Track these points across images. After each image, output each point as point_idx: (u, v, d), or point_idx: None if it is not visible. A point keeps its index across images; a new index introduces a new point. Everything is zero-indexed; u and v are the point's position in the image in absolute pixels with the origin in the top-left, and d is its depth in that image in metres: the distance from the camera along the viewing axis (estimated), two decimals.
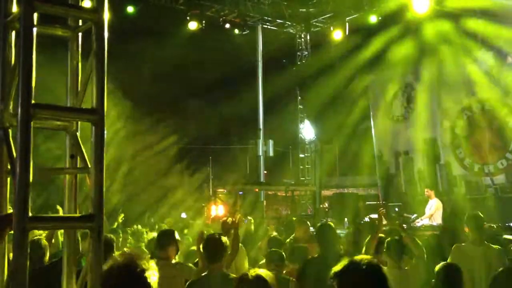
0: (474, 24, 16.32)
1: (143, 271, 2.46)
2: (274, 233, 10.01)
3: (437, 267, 5.49)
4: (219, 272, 5.21)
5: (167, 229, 7.08)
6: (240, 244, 8.06)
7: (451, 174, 17.41)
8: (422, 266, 6.24)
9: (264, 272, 3.76)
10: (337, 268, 2.87)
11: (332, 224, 6.42)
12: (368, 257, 2.97)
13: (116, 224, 12.21)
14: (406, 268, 6.29)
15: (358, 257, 2.94)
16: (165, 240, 6.17)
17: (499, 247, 6.90)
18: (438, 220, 14.01)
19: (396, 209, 15.55)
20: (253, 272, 3.73)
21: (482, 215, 7.07)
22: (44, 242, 6.42)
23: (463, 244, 6.93)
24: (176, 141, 23.52)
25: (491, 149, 16.56)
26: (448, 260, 6.73)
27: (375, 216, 14.76)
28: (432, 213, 14.25)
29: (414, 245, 6.44)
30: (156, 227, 14.21)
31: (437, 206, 14.35)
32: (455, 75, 17.21)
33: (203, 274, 5.29)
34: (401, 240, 6.46)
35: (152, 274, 2.53)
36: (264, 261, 7.65)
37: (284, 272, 6.37)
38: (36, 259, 5.22)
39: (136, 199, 19.53)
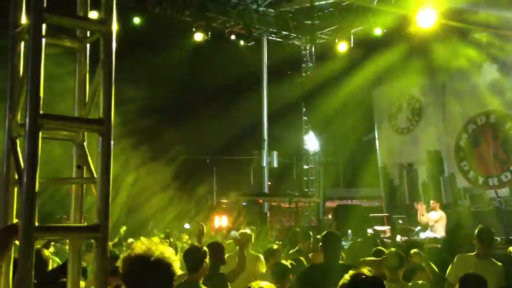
0: (479, 38, 16.36)
1: (160, 258, 2.53)
2: (269, 245, 9.89)
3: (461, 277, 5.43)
4: (196, 284, 5.20)
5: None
6: (259, 256, 8.10)
7: (455, 186, 17.37)
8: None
9: (267, 285, 3.75)
10: (344, 281, 2.88)
11: (338, 233, 6.31)
12: (366, 271, 2.98)
13: (117, 237, 12.16)
14: (408, 284, 6.14)
15: (361, 271, 2.95)
16: None
17: (501, 264, 6.82)
18: (441, 231, 14.00)
19: (400, 221, 15.51)
20: (256, 285, 3.72)
21: (493, 230, 7.05)
22: (46, 253, 6.44)
23: (467, 254, 6.90)
24: (180, 151, 23.57)
25: (495, 162, 16.54)
26: (449, 269, 6.70)
27: (379, 228, 14.82)
28: (437, 219, 14.27)
29: (430, 270, 6.32)
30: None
31: (441, 216, 14.39)
32: (460, 88, 17.23)
33: (179, 282, 5.18)
34: (399, 253, 6.36)
35: (174, 260, 2.59)
36: (264, 270, 7.63)
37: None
38: (37, 271, 5.21)
39: (139, 210, 19.52)
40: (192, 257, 5.42)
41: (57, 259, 7.48)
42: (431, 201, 15.20)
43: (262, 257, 8.17)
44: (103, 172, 2.54)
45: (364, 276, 2.89)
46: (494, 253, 7.45)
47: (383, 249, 6.86)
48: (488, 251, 6.78)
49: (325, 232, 6.39)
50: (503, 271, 6.65)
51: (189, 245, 6.03)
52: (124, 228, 12.80)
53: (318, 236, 10.81)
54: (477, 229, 7.11)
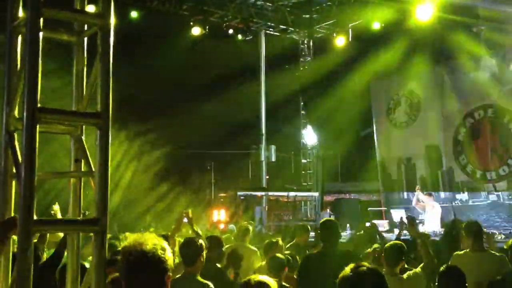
0: (478, 31, 16.35)
1: (154, 251, 2.53)
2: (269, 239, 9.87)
3: (440, 269, 5.42)
4: (193, 277, 5.20)
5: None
6: (255, 250, 8.17)
7: (453, 180, 17.39)
8: (422, 278, 6.13)
9: (266, 279, 3.76)
10: (345, 273, 2.89)
11: (335, 220, 6.41)
12: (366, 264, 3.00)
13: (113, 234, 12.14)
14: (403, 276, 6.11)
15: (362, 263, 2.96)
16: None
17: (501, 254, 6.80)
18: (437, 219, 14.16)
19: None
20: (255, 278, 3.73)
21: (479, 222, 7.04)
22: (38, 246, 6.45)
23: (462, 252, 6.88)
24: (178, 145, 23.57)
25: (493, 156, 16.55)
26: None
27: (376, 221, 14.85)
28: (433, 205, 14.43)
29: (425, 254, 6.27)
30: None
31: (436, 204, 14.59)
32: (459, 82, 17.23)
33: (177, 276, 5.17)
34: (398, 246, 6.32)
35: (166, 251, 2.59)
36: (262, 263, 7.66)
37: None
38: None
39: (137, 204, 19.52)
40: (188, 250, 5.39)
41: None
42: (425, 193, 15.33)
43: (257, 251, 8.24)
44: (101, 166, 2.54)
45: (365, 268, 2.90)
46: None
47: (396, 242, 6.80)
48: (480, 243, 6.76)
49: (323, 220, 6.48)
50: (504, 260, 6.58)
51: (185, 238, 6.03)
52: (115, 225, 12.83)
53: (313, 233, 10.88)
54: (464, 224, 7.11)
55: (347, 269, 2.93)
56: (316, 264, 5.89)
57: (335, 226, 6.25)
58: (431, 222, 14.26)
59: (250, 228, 9.13)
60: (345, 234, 14.94)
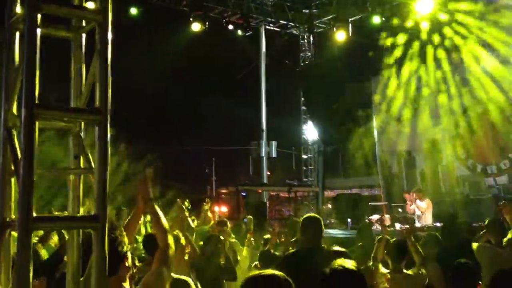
0: (478, 26, 16.32)
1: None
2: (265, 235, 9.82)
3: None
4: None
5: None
6: (235, 240, 8.33)
7: (453, 174, 17.39)
8: (425, 276, 6.16)
9: (270, 271, 3.74)
10: (325, 272, 2.90)
11: (318, 216, 5.78)
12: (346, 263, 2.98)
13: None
14: (408, 272, 6.16)
15: (341, 263, 2.95)
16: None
17: None
18: (429, 220, 14.17)
19: (400, 210, 15.56)
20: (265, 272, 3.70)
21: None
22: (40, 247, 6.42)
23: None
24: (179, 142, 23.57)
25: (494, 150, 16.54)
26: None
27: (377, 216, 14.86)
28: (425, 209, 14.42)
29: (417, 254, 6.36)
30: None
31: (428, 204, 14.55)
32: (459, 76, 17.20)
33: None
34: (402, 243, 6.34)
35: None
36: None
37: None
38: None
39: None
40: None
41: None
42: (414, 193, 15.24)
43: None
44: (100, 162, 2.53)
45: (345, 268, 2.88)
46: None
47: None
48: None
49: (305, 215, 5.88)
50: None
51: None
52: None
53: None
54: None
55: (327, 269, 2.93)
56: (298, 261, 5.41)
57: (319, 222, 5.65)
58: (427, 221, 14.30)
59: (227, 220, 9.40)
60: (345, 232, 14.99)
